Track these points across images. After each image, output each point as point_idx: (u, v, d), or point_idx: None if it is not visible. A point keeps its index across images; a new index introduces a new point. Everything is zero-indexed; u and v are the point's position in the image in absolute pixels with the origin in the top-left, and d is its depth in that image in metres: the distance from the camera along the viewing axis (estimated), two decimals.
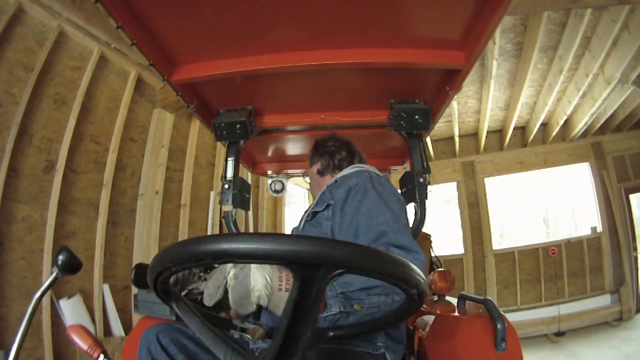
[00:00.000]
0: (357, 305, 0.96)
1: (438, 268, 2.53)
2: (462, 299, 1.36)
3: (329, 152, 1.61)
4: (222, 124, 1.80)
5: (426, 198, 1.86)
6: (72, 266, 1.17)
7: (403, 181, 1.97)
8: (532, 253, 6.30)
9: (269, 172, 2.62)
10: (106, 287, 3.13)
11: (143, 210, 3.52)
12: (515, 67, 4.69)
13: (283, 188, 2.63)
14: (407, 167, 2.35)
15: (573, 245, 6.28)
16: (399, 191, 1.80)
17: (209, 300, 0.92)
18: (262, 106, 1.90)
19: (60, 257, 1.15)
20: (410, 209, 1.85)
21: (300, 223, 1.44)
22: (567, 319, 5.69)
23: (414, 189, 1.86)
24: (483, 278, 6.26)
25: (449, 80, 1.61)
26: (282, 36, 1.43)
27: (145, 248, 3.47)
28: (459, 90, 1.68)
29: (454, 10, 1.30)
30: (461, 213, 6.63)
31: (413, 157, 1.90)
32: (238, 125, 1.80)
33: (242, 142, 1.94)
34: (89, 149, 3.34)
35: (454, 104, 5.18)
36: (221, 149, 4.30)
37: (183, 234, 3.90)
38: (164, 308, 1.31)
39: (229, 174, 1.95)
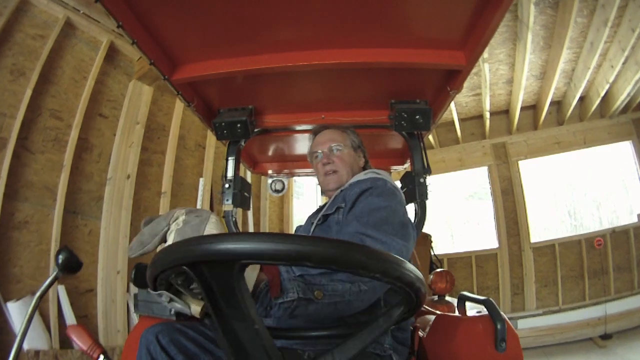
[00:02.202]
0: (317, 292, 0.90)
1: (438, 268, 2.52)
2: (461, 299, 1.36)
3: (360, 147, 1.62)
4: (223, 124, 1.82)
5: (426, 198, 1.89)
6: (72, 266, 1.18)
7: (403, 181, 1.99)
8: (574, 245, 5.58)
9: (270, 172, 2.62)
10: (62, 290, 2.64)
11: (111, 198, 3.02)
12: (552, 22, 4.03)
13: (283, 188, 2.64)
14: (407, 167, 2.40)
15: (618, 236, 5.55)
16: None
17: (135, 249, 0.84)
18: (262, 106, 1.91)
19: (60, 257, 1.16)
20: (410, 208, 1.89)
21: (307, 225, 1.47)
22: (613, 320, 5.01)
23: (415, 189, 1.88)
24: (520, 275, 5.56)
25: (450, 81, 1.63)
26: (283, 36, 1.45)
27: (113, 243, 2.99)
28: (460, 91, 1.68)
29: (454, 10, 1.31)
30: (494, 201, 5.91)
31: (414, 157, 1.92)
32: (239, 125, 1.82)
33: (242, 141, 1.97)
34: (48, 125, 2.90)
35: (486, 68, 4.52)
36: None
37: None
38: (164, 308, 1.27)
39: (230, 173, 1.95)
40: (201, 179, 3.84)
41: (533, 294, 5.41)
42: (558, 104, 5.84)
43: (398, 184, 1.94)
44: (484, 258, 5.64)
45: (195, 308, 0.74)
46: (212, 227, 0.80)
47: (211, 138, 4.06)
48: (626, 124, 5.84)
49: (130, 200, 3.12)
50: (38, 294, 1.19)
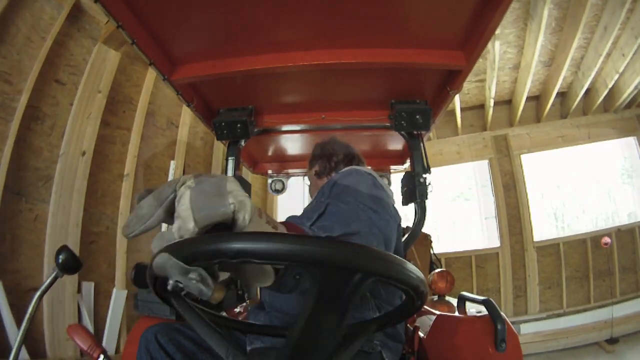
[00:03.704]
0: None
1: (438, 268, 2.56)
2: (461, 299, 1.38)
3: (326, 154, 1.65)
4: (223, 124, 1.84)
5: (426, 198, 1.92)
6: (72, 266, 1.19)
7: (403, 181, 2.02)
8: (578, 245, 5.29)
9: (270, 172, 2.64)
10: None
11: (62, 178, 2.56)
12: (567, 0, 3.75)
13: (283, 187, 2.66)
14: (407, 167, 2.43)
15: (623, 235, 5.30)
16: (401, 191, 2.03)
17: (133, 226, 0.64)
18: (262, 105, 1.93)
19: (61, 257, 1.17)
20: (410, 208, 1.98)
21: None
22: (619, 323, 4.75)
23: (415, 189, 1.91)
24: (523, 276, 5.20)
25: (450, 81, 1.65)
26: (283, 36, 1.47)
27: (62, 232, 2.53)
28: (459, 91, 1.72)
29: (454, 10, 1.33)
30: (495, 197, 5.53)
31: (414, 157, 1.95)
32: (239, 125, 1.83)
33: (242, 141, 1.98)
34: None
35: (496, 47, 4.18)
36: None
37: (124, 216, 2.95)
38: (164, 308, 1.31)
39: (229, 173, 1.96)
40: (172, 162, 3.41)
41: (536, 296, 5.09)
42: (562, 96, 5.55)
43: (398, 184, 2.08)
44: (484, 258, 5.28)
45: (217, 295, 0.65)
46: (233, 185, 0.63)
47: (186, 115, 3.64)
48: (631, 119, 5.62)
49: (85, 182, 2.67)
50: (38, 293, 1.19)
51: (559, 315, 4.96)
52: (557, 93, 5.21)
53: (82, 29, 2.94)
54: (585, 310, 5.01)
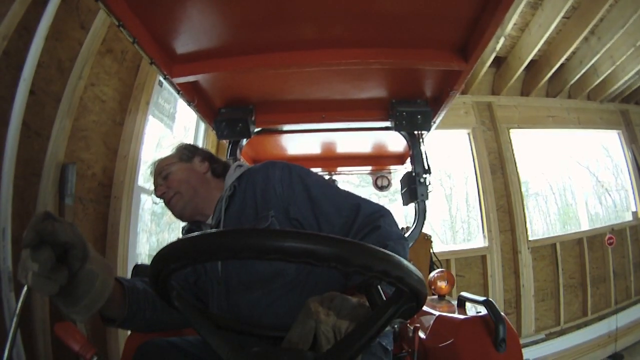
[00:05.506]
0: None
1: (438, 268, 2.52)
2: (461, 299, 1.36)
3: None
4: (224, 123, 1.88)
5: (427, 198, 1.94)
6: None
7: (404, 181, 2.07)
8: (573, 246, 4.49)
9: None
10: None
11: None
12: None
13: None
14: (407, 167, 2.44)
15: (616, 234, 4.61)
16: (401, 191, 2.23)
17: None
18: (263, 105, 1.94)
19: None
20: (410, 208, 2.06)
21: None
22: (621, 335, 4.11)
23: (415, 189, 1.95)
24: (516, 284, 4.17)
25: (450, 81, 1.67)
26: (284, 35, 1.47)
27: None
28: (459, 91, 1.71)
29: (454, 10, 1.33)
30: (481, 181, 4.39)
31: (414, 157, 1.98)
32: (240, 124, 1.87)
33: (243, 140, 2.03)
34: None
35: None
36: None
37: None
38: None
39: None
40: None
41: (532, 313, 4.13)
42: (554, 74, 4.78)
43: (398, 184, 2.23)
44: (466, 263, 4.21)
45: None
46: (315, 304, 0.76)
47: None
48: (614, 113, 5.25)
49: None
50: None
51: (556, 334, 4.09)
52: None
53: None
54: (585, 324, 4.24)
